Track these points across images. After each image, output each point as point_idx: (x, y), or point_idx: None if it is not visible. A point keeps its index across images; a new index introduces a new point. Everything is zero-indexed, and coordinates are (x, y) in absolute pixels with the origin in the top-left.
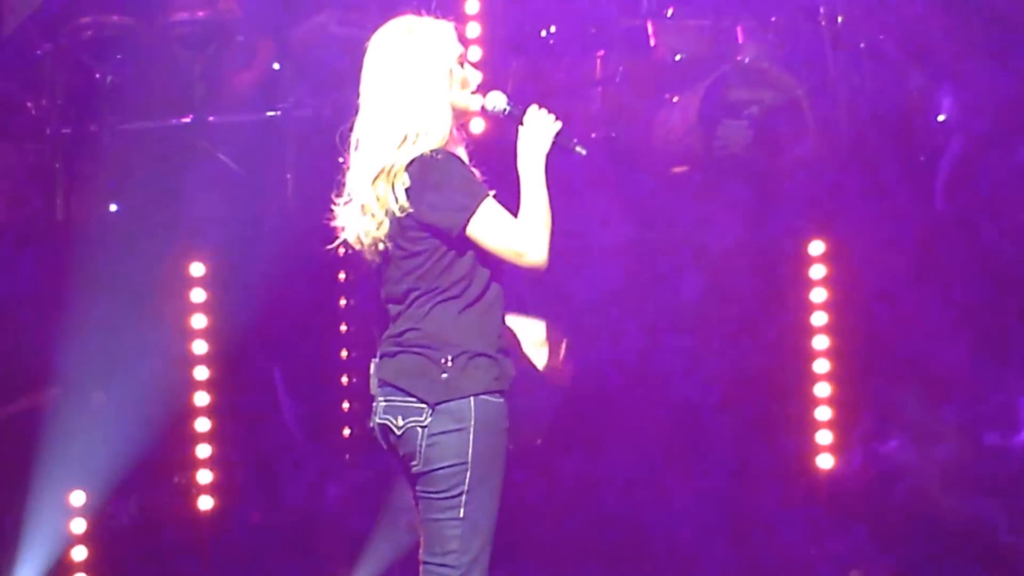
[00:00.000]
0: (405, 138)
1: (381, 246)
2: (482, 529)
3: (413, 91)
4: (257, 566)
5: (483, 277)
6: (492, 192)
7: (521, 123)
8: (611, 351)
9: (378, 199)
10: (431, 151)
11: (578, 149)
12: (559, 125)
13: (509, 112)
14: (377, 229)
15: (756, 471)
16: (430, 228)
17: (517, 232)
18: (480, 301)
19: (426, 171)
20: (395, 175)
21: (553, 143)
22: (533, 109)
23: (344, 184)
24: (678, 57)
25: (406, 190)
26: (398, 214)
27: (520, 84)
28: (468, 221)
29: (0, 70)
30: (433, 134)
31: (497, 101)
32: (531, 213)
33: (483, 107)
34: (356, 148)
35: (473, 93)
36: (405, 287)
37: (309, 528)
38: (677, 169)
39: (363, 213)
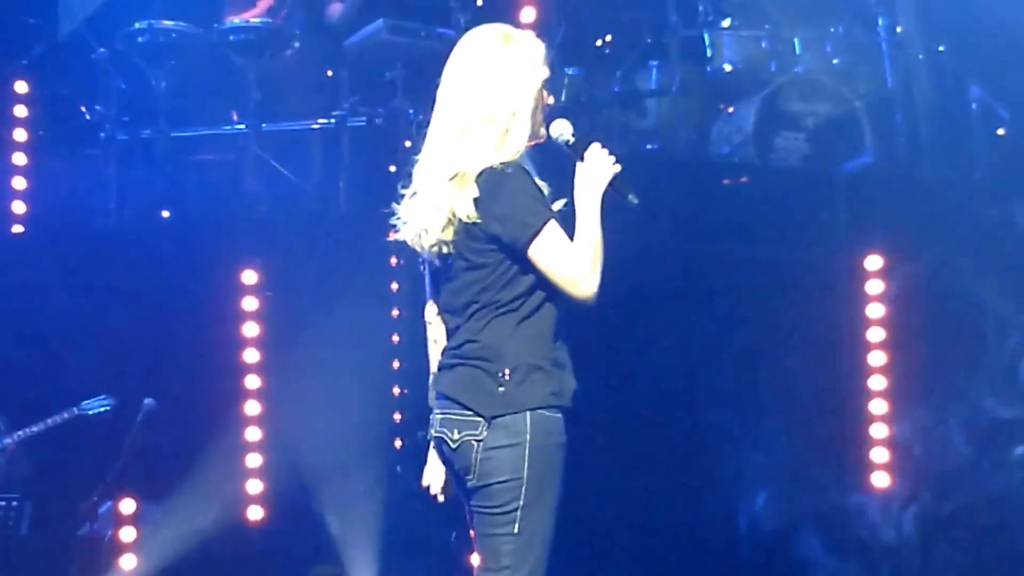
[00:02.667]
0: (485, 145)
1: (444, 249)
2: (537, 545)
3: (504, 101)
4: None
5: (543, 292)
6: (563, 201)
7: (581, 158)
8: (660, 361)
9: (447, 199)
10: (502, 163)
11: (631, 198)
12: (618, 169)
13: (572, 144)
14: (442, 231)
15: (810, 488)
16: (496, 240)
17: (573, 261)
18: (538, 314)
19: (496, 183)
20: (466, 181)
21: (608, 185)
22: (596, 147)
23: (411, 176)
24: (734, 68)
25: (474, 200)
26: (464, 220)
27: (575, 93)
28: (531, 239)
29: (55, 74)
30: (510, 146)
31: (563, 130)
32: (587, 247)
33: (548, 133)
34: (431, 142)
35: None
36: (465, 299)
37: (358, 539)
38: (731, 180)
39: (430, 210)
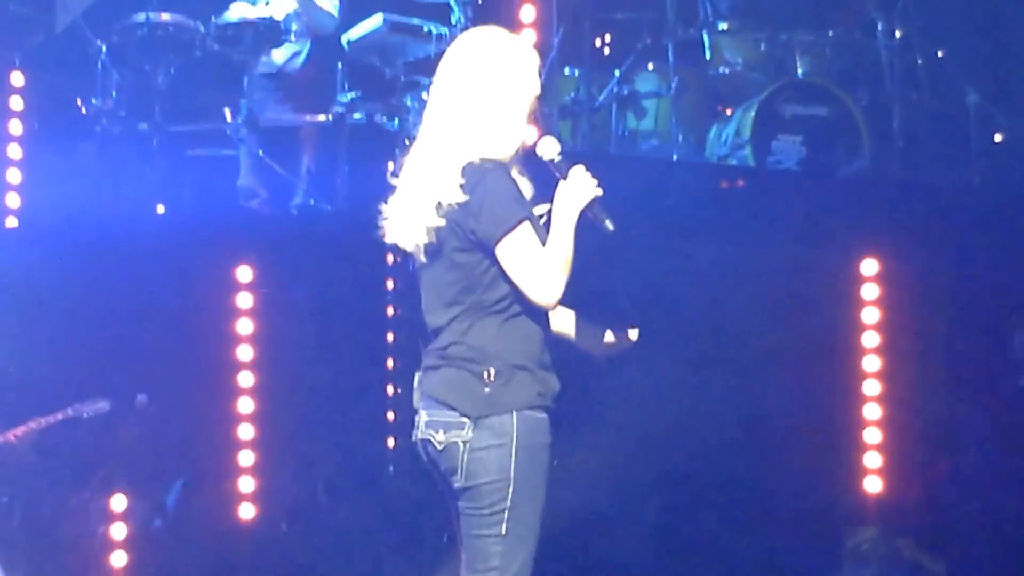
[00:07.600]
0: (473, 141)
1: (428, 239)
2: (524, 546)
3: (495, 100)
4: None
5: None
6: (547, 207)
7: (564, 177)
8: (651, 364)
9: (430, 185)
10: (482, 159)
11: (607, 224)
12: (599, 193)
13: (556, 163)
14: (428, 218)
15: (803, 493)
16: (473, 235)
17: (539, 266)
18: (524, 316)
19: (476, 179)
20: (450, 171)
21: (587, 208)
22: (579, 169)
23: (402, 170)
24: (733, 70)
25: (457, 188)
26: (445, 207)
27: (573, 93)
28: (503, 236)
29: (51, 67)
30: (498, 147)
31: (549, 147)
32: (555, 258)
33: (535, 148)
34: (421, 135)
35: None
36: (448, 299)
37: (350, 538)
38: (728, 183)
39: (416, 198)
